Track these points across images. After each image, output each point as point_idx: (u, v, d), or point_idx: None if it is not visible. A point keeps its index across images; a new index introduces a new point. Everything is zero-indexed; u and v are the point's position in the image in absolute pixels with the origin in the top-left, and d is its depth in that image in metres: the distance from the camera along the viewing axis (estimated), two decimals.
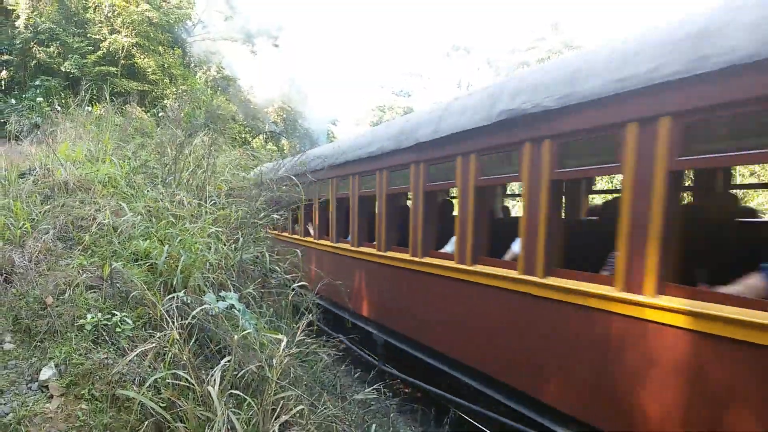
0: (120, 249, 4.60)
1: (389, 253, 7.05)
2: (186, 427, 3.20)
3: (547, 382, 4.47)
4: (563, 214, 5.59)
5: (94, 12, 20.79)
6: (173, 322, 3.66)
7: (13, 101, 19.33)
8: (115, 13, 20.52)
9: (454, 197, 8.74)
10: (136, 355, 3.47)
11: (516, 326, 4.77)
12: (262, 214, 6.26)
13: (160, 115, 19.87)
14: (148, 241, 4.60)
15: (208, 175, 6.13)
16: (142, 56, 21.01)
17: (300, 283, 5.39)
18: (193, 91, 22.58)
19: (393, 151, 6.71)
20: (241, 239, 5.37)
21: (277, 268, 5.64)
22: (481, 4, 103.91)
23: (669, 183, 3.47)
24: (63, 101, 16.27)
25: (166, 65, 21.84)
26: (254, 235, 6.07)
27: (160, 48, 21.84)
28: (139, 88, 20.57)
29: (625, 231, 3.73)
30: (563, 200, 5.96)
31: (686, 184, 6.59)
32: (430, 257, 6.16)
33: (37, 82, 19.82)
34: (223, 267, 5.18)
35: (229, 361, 3.46)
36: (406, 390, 8.42)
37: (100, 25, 20.62)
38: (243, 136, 38.65)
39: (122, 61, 20.55)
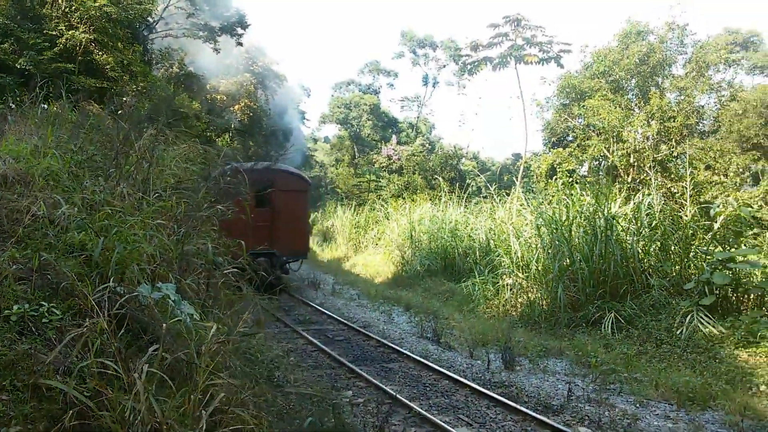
0: (55, 241, 4.53)
1: None
2: (111, 416, 3.18)
3: None
4: None
5: (51, 7, 20.29)
6: (103, 312, 3.63)
7: None
8: (72, 8, 20.07)
9: None
10: (64, 345, 3.44)
11: None
12: (205, 206, 6.21)
13: (119, 112, 19.58)
14: (83, 233, 4.53)
15: (153, 168, 6.06)
16: (100, 52, 20.57)
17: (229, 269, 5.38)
18: (153, 88, 22.23)
19: None
20: (183, 231, 5.33)
21: (220, 259, 5.61)
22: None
23: None
24: (18, 99, 15.90)
25: (125, 62, 21.42)
26: (198, 227, 6.02)
27: (120, 44, 21.41)
28: (97, 85, 20.16)
29: None
30: None
31: None
32: None
33: None
34: (164, 259, 5.15)
35: (156, 349, 3.45)
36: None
37: (56, 20, 20.14)
38: (207, 134, 38.23)
39: (80, 58, 20.11)
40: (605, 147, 18.31)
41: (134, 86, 21.84)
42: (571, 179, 19.95)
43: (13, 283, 3.93)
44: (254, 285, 8.93)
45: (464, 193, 23.60)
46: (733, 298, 11.55)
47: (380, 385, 8.79)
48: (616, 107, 18.05)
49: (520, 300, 14.52)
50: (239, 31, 30.59)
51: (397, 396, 8.23)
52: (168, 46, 30.18)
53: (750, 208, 12.83)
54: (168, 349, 3.54)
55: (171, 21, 29.24)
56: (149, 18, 27.47)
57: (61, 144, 7.12)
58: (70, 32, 20.02)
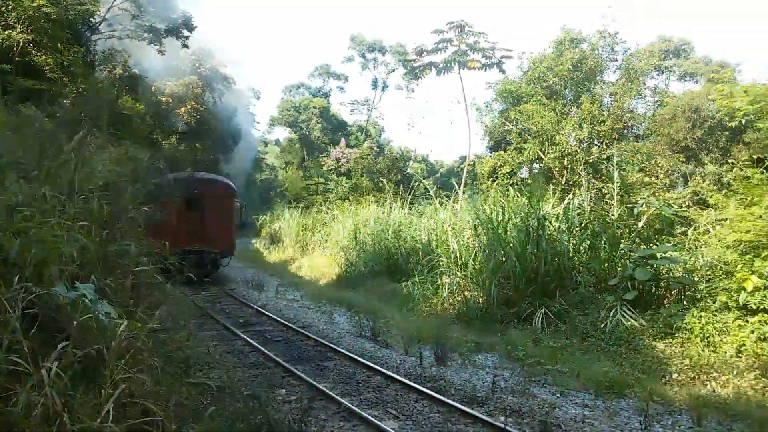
0: None
1: None
2: (18, 411, 3.32)
3: None
4: None
5: None
6: (15, 311, 3.76)
7: None
8: (9, 7, 19.57)
9: None
10: None
11: None
12: (131, 208, 6.33)
13: (57, 114, 19.18)
14: (0, 234, 4.61)
15: (79, 171, 6.14)
16: (39, 53, 20.14)
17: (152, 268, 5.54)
18: (94, 90, 21.86)
19: None
20: (105, 233, 5.45)
21: (144, 259, 5.75)
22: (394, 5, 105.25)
23: None
24: None
25: (65, 63, 21.00)
26: (123, 229, 6.13)
27: (59, 45, 20.96)
28: (35, 86, 19.71)
29: None
30: None
31: None
32: None
33: None
34: (87, 260, 5.26)
35: (66, 346, 3.60)
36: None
37: None
38: (154, 136, 37.63)
39: (17, 59, 19.63)
40: (540, 150, 19.01)
41: (74, 88, 21.44)
42: (511, 181, 20.63)
43: None
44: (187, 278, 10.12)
45: (409, 194, 23.98)
46: (655, 292, 12.19)
47: (313, 382, 9.01)
48: (549, 112, 18.78)
49: (458, 298, 14.94)
50: (185, 33, 30.19)
51: (328, 392, 8.47)
52: (111, 48, 29.61)
53: (670, 207, 13.55)
54: (78, 346, 3.70)
55: (115, 22, 28.71)
56: (92, 19, 26.96)
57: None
58: (6, 32, 19.52)
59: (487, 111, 23.18)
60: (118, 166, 7.32)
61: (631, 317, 11.28)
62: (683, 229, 15.88)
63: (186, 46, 31.05)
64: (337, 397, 8.26)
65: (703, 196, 19.24)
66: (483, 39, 25.73)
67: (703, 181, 19.95)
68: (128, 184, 6.84)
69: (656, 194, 18.69)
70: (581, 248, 14.39)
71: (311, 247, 29.89)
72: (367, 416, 7.48)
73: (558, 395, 8.86)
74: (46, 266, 4.58)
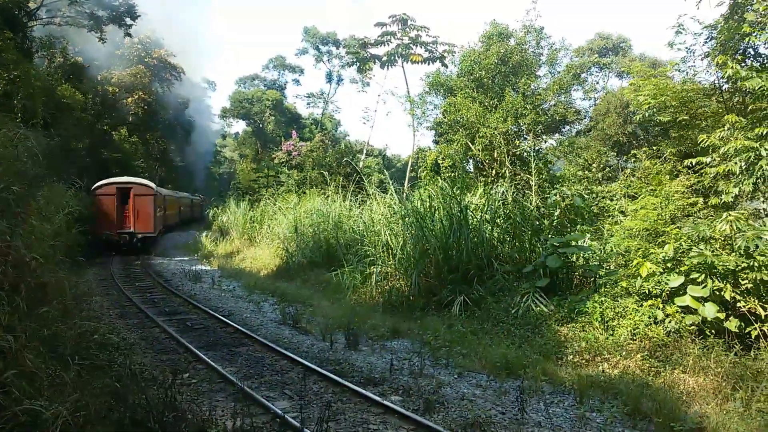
0: None
1: None
2: None
3: None
4: None
5: None
6: None
7: None
8: None
9: None
10: None
11: None
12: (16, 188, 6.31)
13: None
14: None
15: None
16: None
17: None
18: (28, 77, 21.38)
19: None
20: None
21: (8, 239, 5.75)
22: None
23: None
24: None
25: None
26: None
27: None
28: None
29: None
30: None
31: None
32: None
33: None
34: None
35: None
36: None
37: None
38: (100, 126, 36.95)
39: None
40: (468, 141, 19.38)
41: (5, 74, 20.94)
42: (453, 174, 20.94)
43: None
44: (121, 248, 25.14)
45: (351, 186, 24.11)
46: (566, 280, 12.59)
47: (216, 366, 9.10)
48: (476, 105, 19.14)
49: (386, 287, 15.16)
50: (128, 21, 29.75)
51: (227, 374, 8.58)
52: (50, 35, 28.97)
53: (581, 198, 13.98)
54: None
55: (54, 9, 28.10)
56: (30, 4, 26.31)
57: None
58: None
59: (420, 103, 23.47)
60: (3, 146, 7.25)
61: (541, 303, 11.64)
62: (617, 219, 16.36)
63: (129, 35, 30.57)
64: (233, 379, 8.37)
65: (634, 190, 19.90)
66: (425, 33, 26.01)
67: (633, 175, 20.56)
68: (13, 164, 6.78)
69: (588, 187, 19.24)
70: (504, 237, 14.75)
71: (258, 239, 29.81)
72: (257, 396, 7.62)
73: (456, 376, 9.13)
74: None
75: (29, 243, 6.41)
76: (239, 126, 64.05)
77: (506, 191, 15.08)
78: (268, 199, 31.49)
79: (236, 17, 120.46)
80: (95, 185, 27.64)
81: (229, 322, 12.72)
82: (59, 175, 11.98)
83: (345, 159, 33.26)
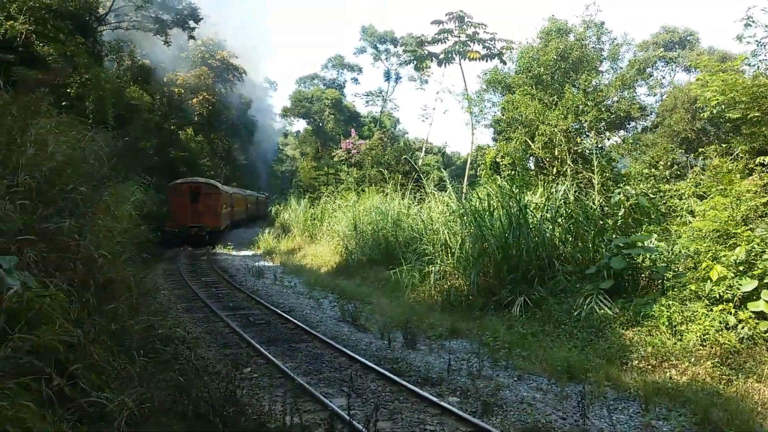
0: None
1: None
2: None
3: None
4: None
5: None
6: None
7: None
8: None
9: None
10: None
11: None
12: (83, 189, 6.58)
13: (63, 104, 19.67)
14: None
15: (24, 153, 6.41)
16: (41, 44, 20.64)
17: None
18: (98, 80, 22.31)
19: None
20: (40, 211, 5.71)
21: (76, 237, 5.99)
22: None
23: None
24: None
25: (68, 53, 21.49)
26: (70, 208, 6.39)
27: (61, 36, 21.45)
28: (39, 76, 20.20)
29: None
30: None
31: None
32: None
33: None
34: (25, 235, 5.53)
35: None
36: None
37: None
38: (167, 126, 38.25)
39: (20, 49, 20.14)
40: (528, 139, 19.00)
41: (78, 78, 21.88)
42: (513, 172, 20.62)
43: None
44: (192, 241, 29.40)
45: (409, 184, 24.09)
46: (632, 282, 12.16)
47: (276, 361, 9.24)
48: (534, 102, 18.73)
49: (444, 286, 15.06)
50: (191, 24, 30.61)
51: (286, 370, 8.71)
52: (119, 39, 30.16)
53: (647, 197, 13.47)
54: None
55: (122, 14, 29.21)
56: (99, 10, 27.42)
57: None
58: (9, 23, 20.00)
59: (477, 101, 23.16)
60: (73, 149, 7.57)
61: (605, 305, 11.28)
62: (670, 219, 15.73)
63: (192, 38, 31.47)
64: (293, 375, 8.48)
65: (703, 189, 19.04)
66: (482, 30, 25.65)
67: (703, 173, 19.67)
68: (81, 166, 7.08)
69: (654, 186, 18.53)
70: (566, 237, 14.39)
71: (319, 236, 30.20)
72: (315, 393, 7.69)
73: (514, 378, 8.96)
74: None
75: (97, 241, 6.66)
76: (300, 125, 65.12)
77: (567, 190, 14.70)
78: (328, 196, 31.84)
79: (296, 18, 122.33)
80: (169, 184, 30.94)
81: (289, 318, 12.92)
82: (129, 174, 12.41)
83: (404, 157, 33.27)
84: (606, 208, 14.06)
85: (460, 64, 26.59)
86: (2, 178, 6.08)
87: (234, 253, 29.40)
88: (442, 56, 27.06)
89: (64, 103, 19.61)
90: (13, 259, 4.96)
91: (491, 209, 14.86)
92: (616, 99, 19.40)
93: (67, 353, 4.98)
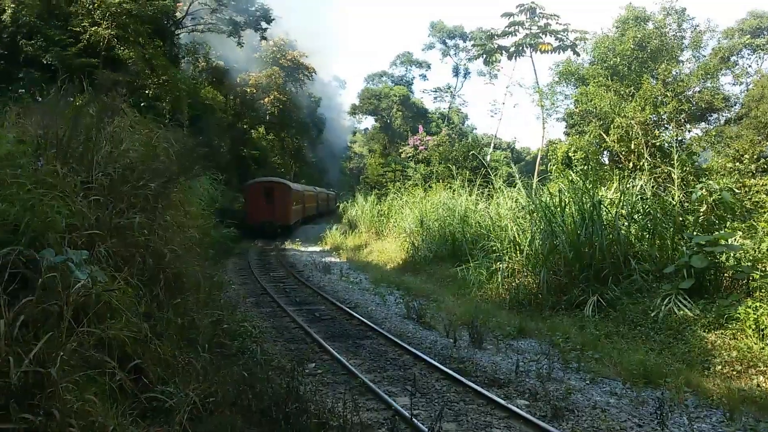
0: None
1: None
2: None
3: None
4: None
5: (76, 5, 21.38)
6: None
7: None
8: (96, 5, 21.07)
9: None
10: None
11: None
12: (153, 185, 6.73)
13: (142, 105, 20.48)
14: (4, 204, 5.08)
15: (99, 150, 6.62)
16: (122, 48, 21.58)
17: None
18: (174, 81, 23.12)
19: None
20: (111, 207, 5.87)
21: (145, 231, 6.11)
22: None
23: None
24: (45, 93, 16.87)
25: (147, 56, 22.38)
26: (141, 204, 6.55)
27: (141, 39, 22.36)
28: (120, 78, 21.10)
29: None
30: None
31: None
32: None
33: (20, 75, 20.48)
34: (96, 229, 5.70)
35: (30, 300, 3.96)
36: None
37: (81, 17, 21.21)
38: (239, 125, 39.29)
39: (103, 53, 21.14)
40: (602, 132, 18.23)
41: (155, 79, 22.73)
42: (586, 167, 19.91)
43: None
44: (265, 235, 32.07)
45: (476, 180, 23.70)
46: (714, 281, 11.45)
47: (340, 358, 9.22)
48: (610, 93, 17.93)
49: (512, 284, 14.69)
50: (263, 25, 31.30)
51: (351, 367, 8.66)
52: (195, 41, 31.16)
53: (731, 192, 12.62)
54: (42, 302, 4.05)
55: (197, 16, 30.18)
56: (177, 14, 28.41)
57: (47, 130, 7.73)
58: (93, 28, 20.99)
59: (549, 94, 22.43)
60: (146, 146, 7.78)
61: (685, 306, 10.66)
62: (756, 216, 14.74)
63: (264, 38, 32.17)
64: (357, 372, 8.42)
65: None
66: (555, 21, 24.87)
67: None
68: (152, 163, 7.25)
69: (739, 180, 17.44)
70: (643, 235, 13.72)
71: (385, 233, 30.24)
72: (379, 391, 7.60)
73: (586, 382, 8.57)
74: (43, 233, 5.01)
75: (166, 236, 6.80)
76: (368, 122, 65.50)
77: (645, 185, 14.01)
78: (395, 193, 31.82)
79: (365, 15, 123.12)
80: (246, 183, 34.29)
81: (354, 314, 12.92)
82: (200, 171, 12.72)
83: (471, 152, 32.81)
84: (686, 204, 13.29)
85: (531, 56, 25.98)
86: (78, 174, 6.30)
87: (302, 248, 29.85)
88: (512, 49, 26.46)
89: (142, 104, 20.40)
90: (84, 254, 5.10)
91: (562, 205, 14.37)
92: (697, 89, 18.30)
93: (134, 347, 5.09)
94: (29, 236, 4.93)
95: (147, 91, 21.95)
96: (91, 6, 21.12)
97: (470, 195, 22.75)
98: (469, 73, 51.87)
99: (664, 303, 10.90)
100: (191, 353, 6.08)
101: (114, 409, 4.19)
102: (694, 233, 12.36)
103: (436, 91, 55.69)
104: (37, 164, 5.97)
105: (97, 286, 4.76)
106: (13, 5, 21.41)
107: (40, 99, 13.65)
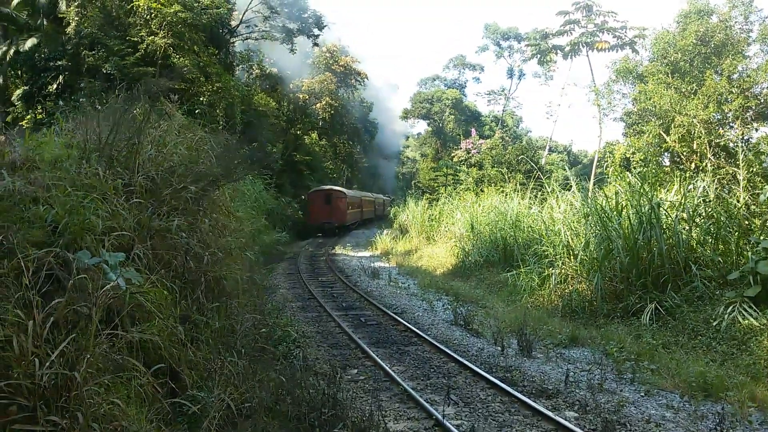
0: (26, 214, 5.18)
1: None
2: (9, 355, 3.71)
3: None
4: None
5: (134, 16, 22.08)
6: (28, 271, 4.18)
7: (61, 102, 20.88)
8: (152, 15, 21.70)
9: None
10: None
11: None
12: (194, 188, 6.75)
13: (197, 111, 20.96)
14: (45, 207, 5.15)
15: (139, 155, 6.69)
16: (177, 56, 22.12)
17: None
18: (228, 88, 23.54)
19: None
20: (151, 209, 5.89)
21: (183, 234, 6.10)
22: None
23: None
24: (104, 101, 17.46)
25: (201, 64, 22.88)
26: (182, 207, 6.56)
27: (195, 47, 22.88)
28: (175, 86, 21.63)
29: None
30: None
31: None
32: None
33: (82, 84, 21.29)
34: (135, 231, 5.73)
35: (59, 302, 3.95)
36: None
37: (138, 27, 21.89)
38: (293, 131, 39.78)
39: (159, 62, 21.73)
40: (662, 132, 17.43)
41: (210, 87, 23.21)
42: (645, 169, 19.14)
43: None
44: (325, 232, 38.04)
45: (530, 183, 23.18)
46: None
47: (383, 364, 9.05)
48: (670, 91, 17.12)
49: (565, 290, 14.21)
50: (315, 31, 31.58)
51: (393, 374, 8.49)
52: (249, 49, 31.73)
53: None
54: (72, 303, 4.04)
55: (251, 24, 30.73)
56: (231, 22, 29.01)
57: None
58: (150, 38, 21.60)
59: (606, 93, 21.66)
60: (189, 150, 7.83)
61: (750, 315, 10.02)
62: None
63: (317, 44, 32.43)
64: (399, 379, 8.24)
65: None
66: (612, 18, 24.07)
67: None
68: (194, 167, 7.28)
69: None
70: (705, 239, 13.02)
71: (436, 237, 29.95)
72: (421, 399, 7.39)
73: (641, 394, 8.12)
74: (81, 235, 5.05)
75: (207, 239, 6.80)
76: (421, 126, 65.28)
77: (707, 187, 13.30)
78: (447, 197, 31.49)
79: (418, 19, 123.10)
80: (310, 191, 39.57)
81: (400, 319, 12.74)
82: (245, 174, 12.85)
83: (525, 156, 32.17)
84: (752, 207, 12.55)
85: (587, 55, 25.23)
86: (121, 177, 6.37)
87: (351, 253, 29.88)
88: (567, 48, 25.77)
89: (197, 111, 20.87)
90: (120, 256, 5.11)
91: (619, 208, 13.81)
92: (765, 86, 17.28)
93: (169, 350, 5.06)
94: (67, 238, 4.98)
95: (201, 98, 22.43)
96: (148, 16, 21.77)
97: (523, 199, 22.25)
98: (524, 74, 51.01)
99: (728, 311, 10.30)
100: (229, 357, 6.02)
101: (144, 413, 4.15)
102: (761, 237, 11.66)
103: (489, 94, 55.04)
104: (81, 168, 6.05)
105: (131, 287, 4.75)
106: (76, 18, 22.32)
107: (99, 107, 14.03)
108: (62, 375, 3.66)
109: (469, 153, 39.11)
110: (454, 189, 35.40)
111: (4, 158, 6.55)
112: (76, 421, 3.53)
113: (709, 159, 15.05)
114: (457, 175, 38.98)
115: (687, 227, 13.01)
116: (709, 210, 13.15)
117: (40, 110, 23.38)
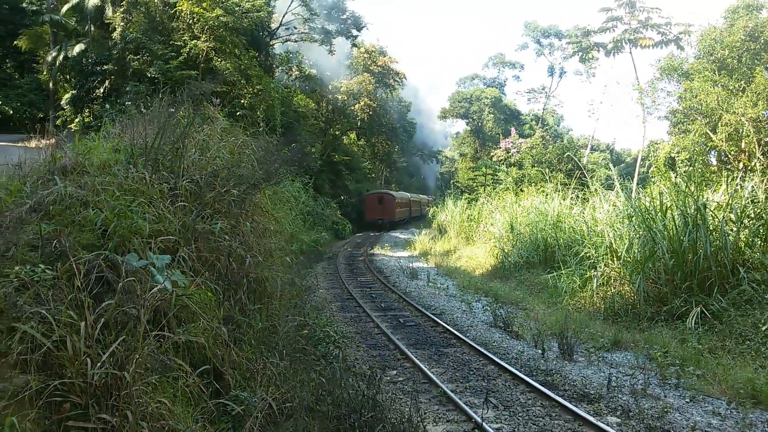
0: (76, 218, 5.38)
1: None
2: (63, 355, 3.87)
3: None
4: None
5: (177, 20, 22.60)
6: (80, 274, 4.35)
7: (108, 106, 21.50)
8: (195, 19, 22.17)
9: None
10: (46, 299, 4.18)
11: None
12: (235, 192, 6.88)
13: (238, 114, 21.32)
14: (95, 211, 5.34)
15: (186, 157, 6.85)
16: (219, 59, 22.55)
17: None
18: (268, 90, 23.87)
19: None
20: (195, 212, 6.04)
21: (226, 237, 6.23)
22: None
23: None
24: (149, 104, 17.91)
25: (242, 67, 23.25)
26: (224, 210, 6.71)
27: (236, 50, 23.25)
28: (217, 89, 22.04)
29: None
30: None
31: None
32: None
33: (128, 88, 21.88)
34: (181, 235, 5.88)
35: (110, 303, 4.10)
36: None
37: (182, 32, 22.39)
38: (331, 132, 40.07)
39: (202, 65, 22.18)
40: (708, 130, 16.94)
41: (250, 89, 23.58)
42: (691, 168, 18.68)
43: (25, 250, 4.77)
44: (377, 227, 45.95)
45: (571, 183, 22.82)
46: None
47: (422, 366, 9.06)
48: (717, 88, 16.62)
49: (607, 292, 13.97)
50: (354, 32, 31.75)
51: (432, 376, 8.49)
52: (288, 51, 32.10)
53: None
54: (121, 305, 4.19)
55: (290, 26, 31.09)
56: (271, 25, 29.40)
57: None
58: (193, 42, 22.07)
59: (650, 91, 21.15)
60: (231, 153, 7.99)
61: None
62: None
63: (354, 45, 32.60)
64: (438, 381, 8.24)
65: None
66: (656, 14, 23.49)
67: None
68: (236, 170, 7.42)
69: None
70: (754, 241, 12.62)
71: (475, 238, 29.76)
72: (460, 402, 7.38)
73: (686, 400, 7.94)
74: (129, 239, 5.21)
75: (249, 241, 6.92)
76: (459, 126, 64.96)
77: (756, 187, 12.89)
78: (486, 197, 31.26)
79: (458, 19, 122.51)
80: (365, 194, 47.57)
81: (439, 321, 12.72)
82: (285, 176, 13.03)
83: (566, 155, 31.69)
84: None
85: (630, 53, 24.67)
86: (166, 181, 6.54)
87: (390, 254, 29.94)
88: (610, 46, 25.27)
89: (238, 113, 21.22)
90: (166, 258, 5.26)
91: (663, 209, 13.50)
92: None
93: (213, 350, 5.18)
94: (116, 241, 5.14)
95: (242, 101, 22.81)
96: (191, 21, 22.24)
97: (564, 199, 21.93)
98: (565, 72, 50.29)
99: None
100: (270, 358, 6.12)
101: (190, 412, 4.26)
102: None
103: (529, 92, 54.34)
104: (128, 172, 6.24)
105: (178, 289, 4.88)
106: (122, 23, 22.97)
107: (144, 111, 14.37)
108: (112, 374, 3.80)
109: (508, 152, 38.74)
110: (494, 189, 35.09)
111: (56, 163, 6.84)
112: (126, 420, 3.66)
113: (758, 158, 14.56)
114: (497, 175, 38.63)
115: (734, 229, 12.63)
116: (758, 211, 12.74)
117: (88, 113, 24.14)
